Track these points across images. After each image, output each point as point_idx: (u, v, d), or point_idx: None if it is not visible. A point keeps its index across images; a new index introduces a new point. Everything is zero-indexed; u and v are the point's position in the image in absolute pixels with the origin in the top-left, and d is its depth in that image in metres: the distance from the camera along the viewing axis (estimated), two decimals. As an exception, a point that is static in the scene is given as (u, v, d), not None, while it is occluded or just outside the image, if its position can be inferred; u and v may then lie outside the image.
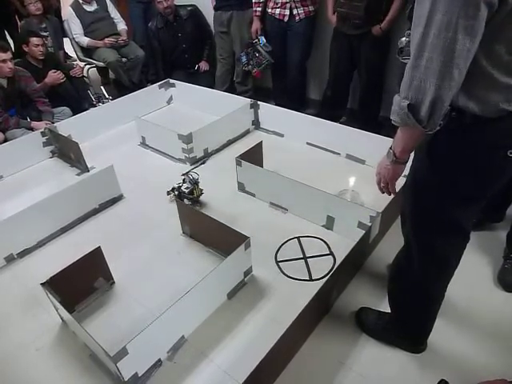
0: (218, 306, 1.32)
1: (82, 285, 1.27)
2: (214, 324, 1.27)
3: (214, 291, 1.28)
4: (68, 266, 1.18)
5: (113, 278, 1.39)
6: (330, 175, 2.03)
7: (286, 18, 2.58)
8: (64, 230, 1.69)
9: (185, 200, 1.81)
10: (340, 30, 2.38)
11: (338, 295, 1.41)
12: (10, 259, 1.54)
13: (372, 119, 2.54)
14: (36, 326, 1.28)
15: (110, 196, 1.85)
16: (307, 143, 2.38)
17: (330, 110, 2.62)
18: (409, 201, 1.00)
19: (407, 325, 1.20)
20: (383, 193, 1.03)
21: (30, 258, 1.57)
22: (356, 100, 2.67)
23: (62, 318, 1.26)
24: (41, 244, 1.62)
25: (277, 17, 2.63)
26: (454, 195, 0.90)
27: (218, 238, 1.48)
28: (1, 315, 1.35)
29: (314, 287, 1.38)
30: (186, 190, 1.81)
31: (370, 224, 1.52)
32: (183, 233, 1.66)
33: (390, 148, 0.92)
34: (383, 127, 2.41)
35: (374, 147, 2.07)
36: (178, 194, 1.83)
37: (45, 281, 1.14)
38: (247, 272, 1.42)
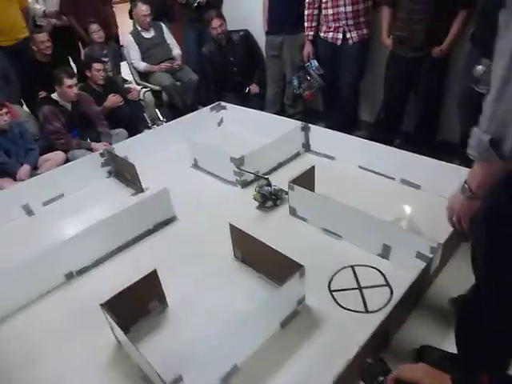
0: (271, 334, 1.31)
1: (137, 307, 1.31)
2: (266, 354, 1.26)
3: (267, 319, 1.27)
4: (125, 288, 1.22)
5: (166, 301, 1.41)
6: (384, 200, 1.97)
7: (339, 42, 2.59)
8: (120, 249, 1.76)
9: (268, 202, 1.97)
10: (397, 53, 2.35)
11: (396, 331, 1.35)
12: (69, 277, 1.62)
13: (428, 143, 2.46)
14: (92, 345, 1.33)
15: (164, 217, 1.90)
16: (359, 167, 2.34)
17: (383, 132, 2.58)
18: (482, 237, 0.95)
19: (476, 370, 1.12)
20: (454, 228, 0.98)
21: (88, 276, 1.65)
22: (411, 123, 2.61)
23: (117, 339, 1.29)
24: (98, 263, 1.69)
25: (329, 40, 2.65)
26: None
27: (271, 264, 1.47)
28: (59, 332, 1.41)
29: (371, 320, 1.34)
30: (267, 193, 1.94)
31: (430, 255, 1.45)
32: (235, 257, 1.66)
33: (465, 182, 0.88)
34: (440, 152, 2.33)
35: (431, 172, 2.01)
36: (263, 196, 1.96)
37: (104, 302, 1.18)
38: (300, 301, 1.40)
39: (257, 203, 2.02)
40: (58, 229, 1.98)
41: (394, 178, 2.20)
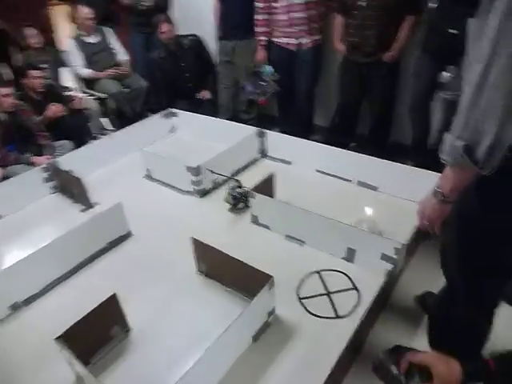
0: (243, 350, 1.25)
1: (96, 335, 1.20)
2: (241, 370, 1.21)
3: (239, 335, 1.22)
4: (82, 318, 1.12)
5: (128, 325, 1.32)
6: (343, 203, 2.00)
7: (294, 47, 2.61)
8: (72, 273, 1.62)
9: (240, 204, 1.98)
10: (350, 59, 2.41)
11: (367, 334, 1.35)
12: (15, 307, 1.46)
13: (382, 145, 2.54)
14: (49, 382, 1.20)
15: (119, 234, 1.79)
16: (317, 170, 2.36)
17: (339, 136, 2.63)
18: (454, 241, 0.96)
19: None
20: (426, 232, 0.99)
21: (38, 305, 1.50)
22: (365, 126, 2.68)
23: (76, 374, 1.18)
24: (48, 289, 1.55)
25: (283, 46, 2.66)
26: (506, 236, 0.86)
27: (238, 277, 1.42)
28: (9, 371, 1.27)
29: (342, 325, 1.34)
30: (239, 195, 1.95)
31: (395, 256, 1.47)
32: (199, 271, 1.60)
33: (437, 187, 0.88)
34: (394, 153, 2.41)
35: (386, 173, 2.06)
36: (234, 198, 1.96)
37: (58, 335, 1.07)
38: (271, 312, 1.36)
39: (221, 209, 1.99)
40: (-3, 255, 1.80)
41: (350, 181, 2.24)
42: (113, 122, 3.36)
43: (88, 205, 2.10)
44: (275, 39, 2.65)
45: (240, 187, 2.03)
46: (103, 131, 3.12)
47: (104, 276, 1.62)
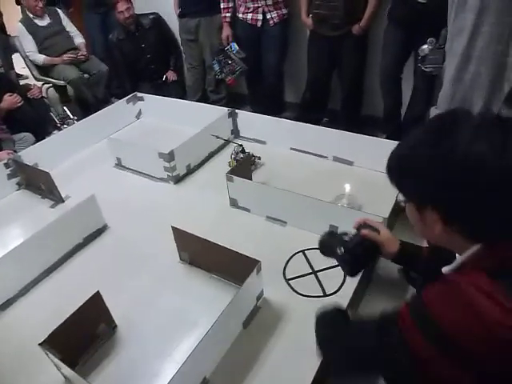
0: (235, 337, 1.25)
1: (82, 335, 1.16)
2: (234, 357, 1.20)
3: (230, 323, 1.21)
4: (67, 319, 1.08)
5: (114, 321, 1.29)
6: (320, 180, 2.00)
7: (260, 23, 2.54)
8: (49, 272, 1.56)
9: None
10: (318, 32, 2.37)
11: (355, 311, 1.37)
12: (-9, 313, 1.39)
13: (354, 119, 2.55)
14: (36, 388, 1.16)
15: (94, 228, 1.73)
16: (291, 148, 2.34)
17: (311, 112, 2.62)
18: None
19: None
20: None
21: (15, 309, 1.43)
22: (336, 101, 2.68)
23: (65, 377, 1.14)
24: (24, 291, 1.48)
25: (249, 22, 2.59)
26: None
27: (223, 263, 1.41)
28: (-9, 380, 1.22)
29: (330, 303, 1.35)
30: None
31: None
32: (181, 259, 1.57)
33: None
34: (366, 126, 2.42)
35: (361, 148, 2.08)
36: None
37: (42, 340, 1.02)
38: (259, 296, 1.36)
39: (198, 194, 1.98)
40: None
41: (326, 157, 2.24)
42: (73, 110, 3.21)
43: (58, 199, 2.01)
44: (240, 15, 2.56)
45: (243, 152, 2.06)
46: (65, 120, 2.96)
47: (83, 272, 1.56)
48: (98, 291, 1.17)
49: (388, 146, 0.85)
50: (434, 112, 0.77)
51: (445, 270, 0.74)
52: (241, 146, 2.08)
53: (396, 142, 1.96)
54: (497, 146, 0.60)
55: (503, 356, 0.60)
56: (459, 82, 0.70)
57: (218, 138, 2.13)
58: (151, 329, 1.31)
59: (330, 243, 1.14)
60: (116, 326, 1.30)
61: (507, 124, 0.63)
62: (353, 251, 1.07)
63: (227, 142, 2.46)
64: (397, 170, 0.76)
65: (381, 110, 2.51)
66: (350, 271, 1.09)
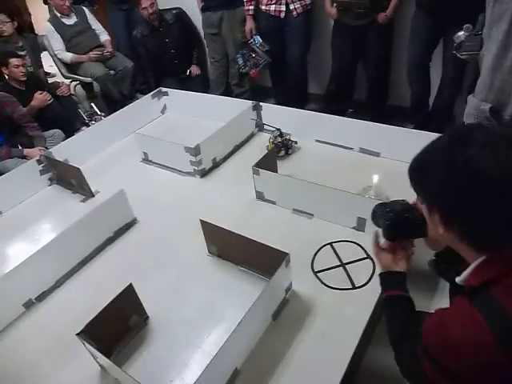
0: (264, 329, 1.26)
1: (116, 326, 1.20)
2: (264, 349, 1.21)
3: (260, 315, 1.21)
4: (102, 310, 1.11)
5: (146, 313, 1.32)
6: (346, 172, 1.98)
7: (283, 15, 2.52)
8: (82, 264, 1.61)
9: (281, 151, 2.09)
10: (342, 22, 2.33)
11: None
12: (28, 305, 1.45)
13: (380, 109, 2.50)
14: (72, 377, 1.20)
15: (124, 222, 1.77)
16: (316, 140, 2.32)
17: (336, 103, 2.58)
18: None
19: None
20: None
21: (51, 300, 1.49)
22: (361, 91, 2.63)
23: (100, 365, 1.18)
24: (59, 283, 1.53)
25: (272, 13, 2.57)
26: None
27: (251, 256, 1.42)
28: (31, 368, 1.27)
29: (360, 295, 1.35)
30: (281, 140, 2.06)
31: (407, 222, 1.47)
32: (209, 253, 1.59)
33: None
34: (392, 116, 2.38)
35: (387, 138, 2.04)
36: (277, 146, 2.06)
37: (80, 330, 1.06)
38: (288, 288, 1.36)
39: (225, 187, 2.01)
40: (1, 254, 1.77)
41: (352, 148, 2.21)
42: (100, 107, 3.27)
43: (89, 194, 2.07)
44: (263, 7, 2.54)
45: (281, 136, 2.13)
46: (93, 117, 3.03)
47: (114, 266, 1.60)
48: (130, 284, 1.20)
49: (415, 136, 0.85)
50: (471, 101, 0.74)
51: (457, 279, 0.78)
52: (278, 129, 2.12)
53: (423, 132, 1.95)
54: (499, 157, 0.64)
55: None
56: (498, 70, 0.68)
57: (266, 124, 2.29)
58: (181, 320, 1.34)
59: (381, 209, 1.11)
60: (148, 317, 1.33)
61: None
62: (398, 214, 1.05)
63: (251, 135, 2.46)
64: (412, 170, 0.83)
65: (407, 100, 2.44)
66: (387, 233, 1.06)
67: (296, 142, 2.13)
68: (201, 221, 1.51)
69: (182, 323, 1.33)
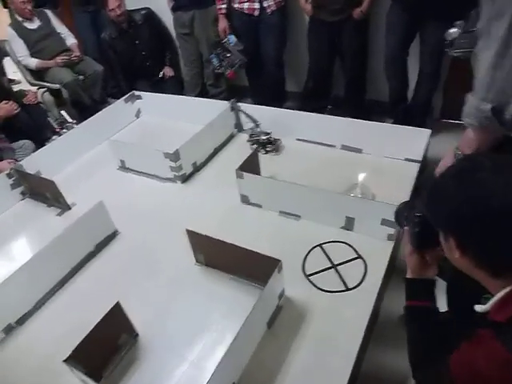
0: (259, 339, 1.23)
1: (105, 348, 1.15)
2: (261, 360, 1.19)
3: (255, 326, 1.19)
4: (89, 333, 1.05)
5: (135, 330, 1.27)
6: (330, 170, 1.98)
7: (257, 12, 2.48)
8: (64, 282, 1.54)
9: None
10: (317, 18, 2.32)
11: (381, 301, 1.36)
12: (8, 330, 1.38)
13: (359, 104, 2.51)
14: (60, 403, 1.15)
15: (105, 234, 1.71)
16: (297, 139, 2.31)
17: (314, 100, 2.58)
18: None
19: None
20: None
21: (33, 323, 1.41)
22: (340, 87, 2.63)
23: (91, 391, 1.13)
24: (40, 304, 1.46)
25: (246, 12, 2.53)
26: None
27: (241, 264, 1.39)
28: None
29: (353, 296, 1.34)
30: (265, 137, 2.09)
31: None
32: (197, 262, 1.55)
33: (457, 148, 0.85)
34: (371, 111, 2.39)
35: (369, 134, 2.05)
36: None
37: (68, 356, 1.00)
38: (281, 295, 1.34)
39: (207, 192, 1.97)
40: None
41: (334, 146, 2.21)
42: (70, 114, 3.16)
43: (65, 207, 1.98)
44: (236, 5, 2.50)
45: (266, 133, 2.17)
46: (63, 125, 2.91)
47: (97, 282, 1.54)
48: (118, 302, 1.15)
49: (395, 130, 0.84)
50: (470, 100, 0.73)
51: (476, 307, 0.76)
52: (258, 125, 2.19)
53: (403, 127, 1.95)
54: (505, 182, 0.66)
55: None
56: (499, 69, 0.67)
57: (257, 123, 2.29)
58: (172, 335, 1.30)
59: (407, 211, 1.02)
60: (137, 334, 1.28)
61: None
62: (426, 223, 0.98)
63: (231, 136, 2.42)
64: (427, 195, 0.82)
65: (385, 95, 2.46)
66: (417, 242, 0.96)
67: (279, 140, 2.14)
68: (187, 230, 1.46)
69: (174, 338, 1.29)
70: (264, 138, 2.15)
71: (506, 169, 0.68)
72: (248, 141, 2.24)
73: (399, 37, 2.17)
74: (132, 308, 1.30)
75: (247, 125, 2.50)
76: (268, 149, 2.16)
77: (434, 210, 0.80)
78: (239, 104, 2.43)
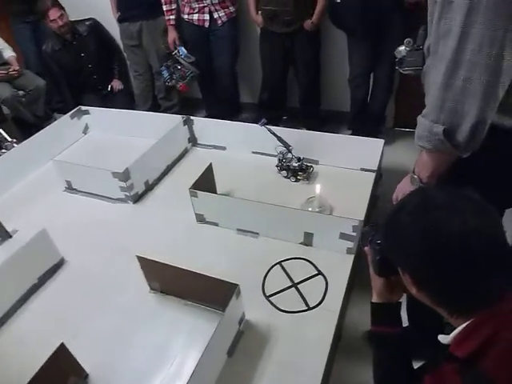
0: (220, 369, 1.19)
1: (50, 394, 1.06)
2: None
3: (215, 355, 1.14)
4: (31, 380, 0.97)
5: (85, 370, 1.19)
6: (286, 183, 1.97)
7: (207, 24, 2.46)
8: (2, 322, 1.42)
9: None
10: (269, 30, 2.33)
11: (343, 320, 1.36)
12: None
13: (314, 115, 2.54)
14: None
15: (50, 264, 1.60)
16: (253, 152, 2.30)
17: (269, 112, 2.58)
18: None
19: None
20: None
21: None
22: (294, 98, 2.65)
23: None
24: (-23, 347, 1.34)
25: (195, 23, 2.50)
26: None
27: (197, 289, 1.34)
28: None
29: (315, 315, 1.33)
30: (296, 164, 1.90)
31: (354, 234, 1.48)
32: (151, 289, 1.48)
33: (413, 173, 0.86)
34: (327, 121, 2.42)
35: (324, 146, 2.07)
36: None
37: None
38: (241, 319, 1.30)
39: (162, 211, 1.90)
40: None
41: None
42: (11, 132, 2.98)
43: (4, 235, 1.85)
44: (185, 16, 2.47)
45: (298, 159, 1.99)
46: (2, 144, 2.74)
47: (42, 318, 1.44)
48: (62, 343, 1.07)
49: (350, 141, 0.84)
50: (421, 122, 0.73)
51: (440, 338, 0.75)
52: (288, 147, 1.96)
53: (359, 138, 1.99)
54: (454, 219, 0.64)
55: None
56: (449, 89, 0.67)
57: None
58: (128, 372, 1.23)
59: (371, 235, 0.99)
60: (87, 374, 1.20)
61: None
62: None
63: (185, 151, 2.37)
64: (383, 228, 0.80)
65: (340, 105, 2.52)
66: (379, 270, 0.93)
67: (312, 167, 1.98)
68: (138, 257, 1.40)
69: (129, 375, 1.22)
70: (296, 165, 1.97)
71: (461, 205, 0.66)
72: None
73: (363, 56, 2.22)
74: (81, 346, 1.22)
75: (202, 139, 2.46)
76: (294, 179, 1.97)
77: (390, 245, 0.78)
78: (192, 118, 2.38)
